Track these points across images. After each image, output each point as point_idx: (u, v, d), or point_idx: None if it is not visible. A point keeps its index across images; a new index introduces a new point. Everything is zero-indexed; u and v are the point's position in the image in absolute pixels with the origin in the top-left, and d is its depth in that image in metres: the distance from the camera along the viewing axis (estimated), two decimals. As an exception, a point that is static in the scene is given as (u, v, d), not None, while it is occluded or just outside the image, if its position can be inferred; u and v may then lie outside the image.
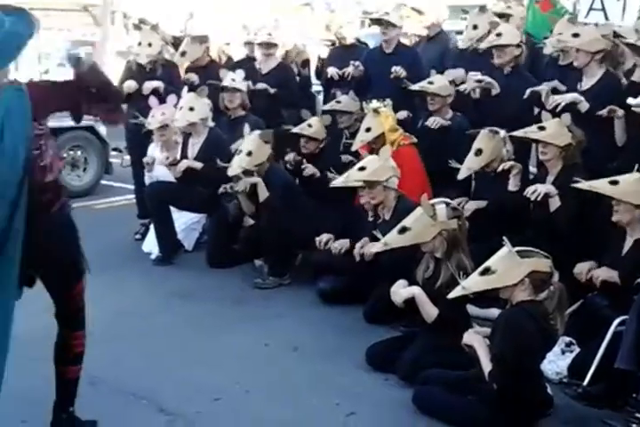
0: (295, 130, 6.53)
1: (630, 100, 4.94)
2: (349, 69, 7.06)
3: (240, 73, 7.12)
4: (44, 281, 3.59)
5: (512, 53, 6.06)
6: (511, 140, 5.47)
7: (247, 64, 7.93)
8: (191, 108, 6.55)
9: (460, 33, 8.99)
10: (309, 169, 6.34)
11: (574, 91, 5.53)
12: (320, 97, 8.63)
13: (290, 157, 6.61)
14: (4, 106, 3.20)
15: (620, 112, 5.11)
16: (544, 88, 5.61)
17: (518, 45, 6.08)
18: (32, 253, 3.31)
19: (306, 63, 8.53)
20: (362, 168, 5.35)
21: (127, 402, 4.19)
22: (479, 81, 6.02)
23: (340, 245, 5.67)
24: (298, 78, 8.08)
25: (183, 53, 7.62)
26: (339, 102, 6.70)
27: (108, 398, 4.21)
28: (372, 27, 7.32)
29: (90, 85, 3.44)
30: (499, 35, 6.10)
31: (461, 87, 6.19)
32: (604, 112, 5.18)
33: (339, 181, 5.54)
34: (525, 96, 5.70)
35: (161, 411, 4.12)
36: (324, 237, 5.83)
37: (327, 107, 6.90)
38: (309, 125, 6.53)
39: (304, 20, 11.39)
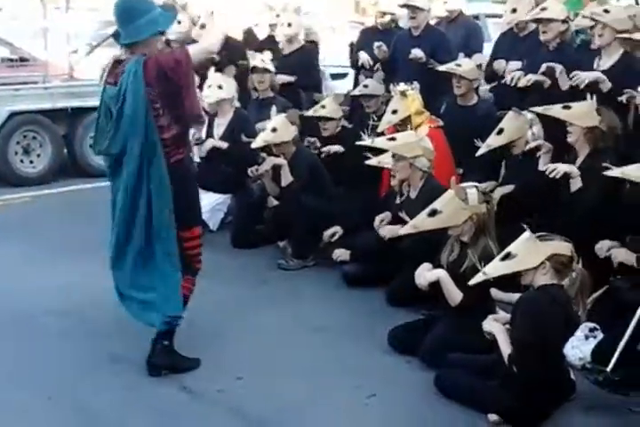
0: (309, 113, 6.53)
1: None
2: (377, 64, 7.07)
3: (268, 54, 7.14)
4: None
5: (557, 29, 5.94)
6: (544, 123, 5.40)
7: (270, 44, 7.96)
8: (220, 86, 6.66)
9: (491, 16, 8.91)
10: (332, 148, 6.33)
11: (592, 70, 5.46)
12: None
13: (310, 140, 6.61)
14: (128, 71, 3.91)
15: (639, 98, 5.00)
16: (559, 66, 5.54)
17: (564, 21, 5.97)
18: None
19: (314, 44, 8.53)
20: (392, 138, 5.34)
21: (150, 380, 4.23)
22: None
23: (342, 253, 5.73)
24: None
25: (203, 26, 7.66)
26: (366, 87, 6.72)
27: (131, 375, 4.26)
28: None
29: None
30: (543, 9, 6.00)
31: (507, 79, 6.09)
32: (622, 98, 5.10)
33: (366, 142, 5.56)
34: (541, 71, 5.63)
35: (183, 389, 4.16)
36: (330, 231, 5.92)
37: (356, 92, 6.89)
38: (323, 106, 6.53)
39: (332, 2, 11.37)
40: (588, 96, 5.11)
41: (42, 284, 5.46)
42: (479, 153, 5.57)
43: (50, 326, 4.87)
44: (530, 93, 5.99)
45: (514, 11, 6.62)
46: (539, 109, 5.23)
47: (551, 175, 4.86)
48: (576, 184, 4.88)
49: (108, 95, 4.04)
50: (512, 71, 6.14)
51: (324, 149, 6.42)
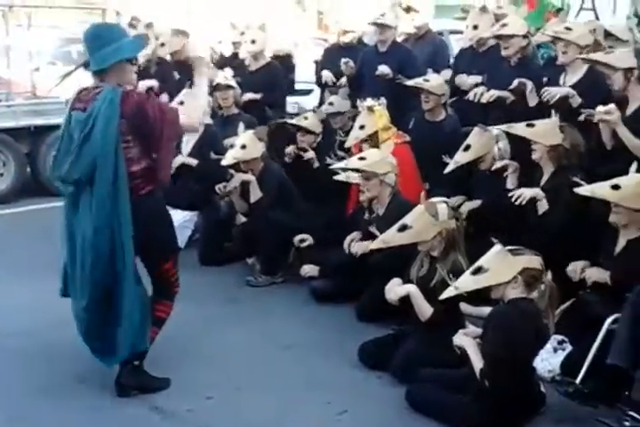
0: (292, 121, 6.57)
1: (599, 109, 4.87)
2: (344, 80, 7.11)
3: (229, 71, 7.17)
4: (141, 256, 4.15)
5: (519, 44, 6.04)
6: (511, 139, 5.46)
7: (234, 62, 7.99)
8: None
9: (454, 32, 9.03)
10: (309, 154, 6.38)
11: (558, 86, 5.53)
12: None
13: (290, 149, 6.64)
14: (103, 98, 3.88)
15: (596, 117, 4.90)
16: (529, 82, 5.62)
17: (525, 36, 6.07)
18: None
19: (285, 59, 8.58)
20: (362, 158, 5.36)
21: (120, 401, 4.18)
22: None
23: (310, 269, 5.76)
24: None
25: (162, 44, 7.68)
26: (331, 104, 6.79)
27: (99, 395, 4.20)
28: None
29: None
30: (504, 25, 6.10)
31: (470, 96, 6.17)
32: (580, 118, 5.14)
33: (339, 165, 5.60)
34: (512, 87, 5.70)
35: (154, 409, 4.11)
36: (299, 237, 5.95)
37: (322, 110, 6.90)
38: (305, 118, 6.58)
39: (296, 19, 11.48)
40: (553, 113, 5.17)
41: (4, 304, 5.38)
42: (447, 170, 5.60)
43: (13, 347, 4.78)
44: (492, 109, 6.07)
45: (475, 27, 6.72)
46: (503, 127, 5.27)
47: (517, 202, 4.87)
48: (543, 207, 4.90)
49: (75, 120, 3.97)
50: (471, 86, 6.23)
51: (304, 154, 6.44)
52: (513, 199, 4.88)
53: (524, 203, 4.86)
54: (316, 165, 6.40)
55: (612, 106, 4.77)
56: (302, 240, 5.98)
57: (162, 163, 4.08)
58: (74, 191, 4.06)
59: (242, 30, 8.41)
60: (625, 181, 4.36)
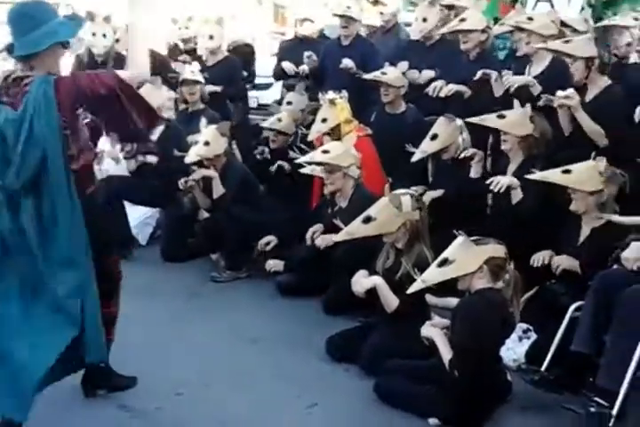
0: (265, 124, 6.55)
1: (559, 94, 4.94)
2: (305, 67, 7.08)
3: (196, 65, 7.13)
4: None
5: (478, 39, 6.07)
6: (471, 129, 5.50)
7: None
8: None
9: (408, 25, 9.03)
10: (283, 163, 6.37)
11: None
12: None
13: (260, 149, 6.64)
14: (36, 92, 3.44)
15: (555, 102, 5.02)
16: (494, 72, 5.67)
17: (484, 31, 6.10)
18: None
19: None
20: (325, 151, 5.36)
21: (86, 399, 4.14)
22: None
23: (275, 264, 5.76)
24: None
25: (117, 40, 7.65)
26: (290, 104, 6.73)
27: (65, 395, 4.12)
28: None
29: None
30: (463, 20, 6.12)
31: (429, 90, 6.20)
32: (540, 103, 5.20)
33: (303, 159, 5.59)
34: (476, 77, 5.74)
35: (122, 407, 4.08)
36: (264, 240, 5.92)
37: (282, 110, 6.86)
38: (279, 120, 6.55)
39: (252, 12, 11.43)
40: (516, 102, 5.22)
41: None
42: (414, 159, 5.63)
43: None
44: (451, 102, 6.11)
45: (424, 20, 6.68)
46: (475, 120, 5.29)
47: (495, 190, 4.87)
48: (517, 195, 4.92)
49: (5, 118, 3.51)
50: (426, 80, 6.26)
51: (278, 162, 6.41)
52: (492, 187, 4.88)
53: (502, 190, 4.88)
54: (287, 167, 6.35)
55: (571, 90, 4.86)
56: (267, 243, 5.96)
57: (145, 116, 3.65)
58: (13, 197, 3.60)
59: (184, 25, 8.39)
60: (576, 166, 4.46)
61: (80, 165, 3.66)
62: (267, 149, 6.63)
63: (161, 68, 7.03)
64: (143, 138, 4.08)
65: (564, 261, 4.50)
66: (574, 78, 5.08)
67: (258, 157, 6.63)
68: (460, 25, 6.12)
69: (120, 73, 3.66)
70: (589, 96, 5.03)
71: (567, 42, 5.17)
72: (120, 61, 7.49)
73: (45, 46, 3.53)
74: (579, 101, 4.86)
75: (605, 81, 5.07)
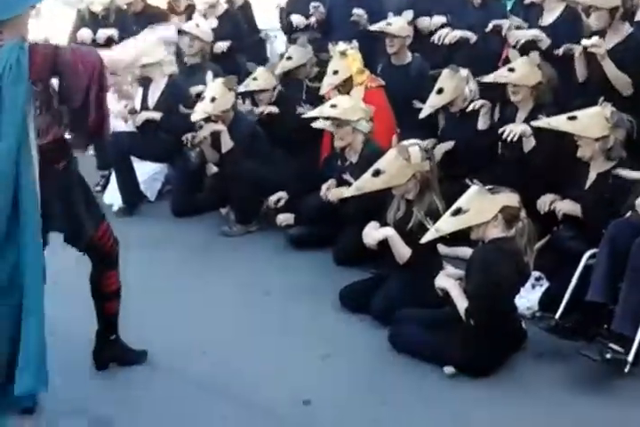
0: (241, 89, 6.35)
1: (585, 42, 4.91)
2: (313, 19, 6.97)
3: (212, 22, 7.02)
4: (66, 237, 3.65)
5: None
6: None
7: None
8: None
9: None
10: (268, 108, 6.27)
11: (536, 27, 5.50)
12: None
13: (248, 109, 6.55)
14: (7, 59, 3.14)
15: (578, 51, 5.06)
16: (506, 21, 5.58)
17: None
18: (48, 210, 3.36)
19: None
20: (333, 105, 5.30)
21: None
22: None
23: (286, 218, 5.70)
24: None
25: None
26: (290, 59, 6.58)
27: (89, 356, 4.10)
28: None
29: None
30: None
31: (435, 38, 6.12)
32: (559, 51, 5.16)
33: (311, 114, 5.50)
34: (488, 29, 5.66)
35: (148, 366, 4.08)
36: (275, 197, 5.86)
37: (280, 68, 6.67)
38: (254, 79, 6.39)
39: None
40: (514, 53, 5.15)
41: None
42: (423, 114, 5.55)
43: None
44: (456, 51, 6.03)
45: None
46: (488, 78, 5.24)
47: (508, 139, 4.84)
48: (530, 143, 4.89)
49: None
50: (436, 27, 6.18)
51: (260, 108, 6.34)
52: (504, 136, 4.84)
53: (515, 139, 4.84)
54: (275, 111, 6.27)
55: (597, 38, 4.78)
56: (278, 200, 5.89)
57: (97, 116, 3.41)
58: None
59: None
60: (582, 112, 4.42)
61: (48, 140, 3.41)
62: (253, 108, 6.51)
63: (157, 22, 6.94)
64: (84, 133, 3.64)
65: (564, 206, 4.50)
66: (595, 27, 5.01)
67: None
68: None
69: (107, 54, 3.44)
70: (609, 44, 4.95)
71: None
72: (121, 16, 7.41)
73: (22, 10, 3.28)
74: (605, 49, 4.79)
75: (627, 29, 5.00)
